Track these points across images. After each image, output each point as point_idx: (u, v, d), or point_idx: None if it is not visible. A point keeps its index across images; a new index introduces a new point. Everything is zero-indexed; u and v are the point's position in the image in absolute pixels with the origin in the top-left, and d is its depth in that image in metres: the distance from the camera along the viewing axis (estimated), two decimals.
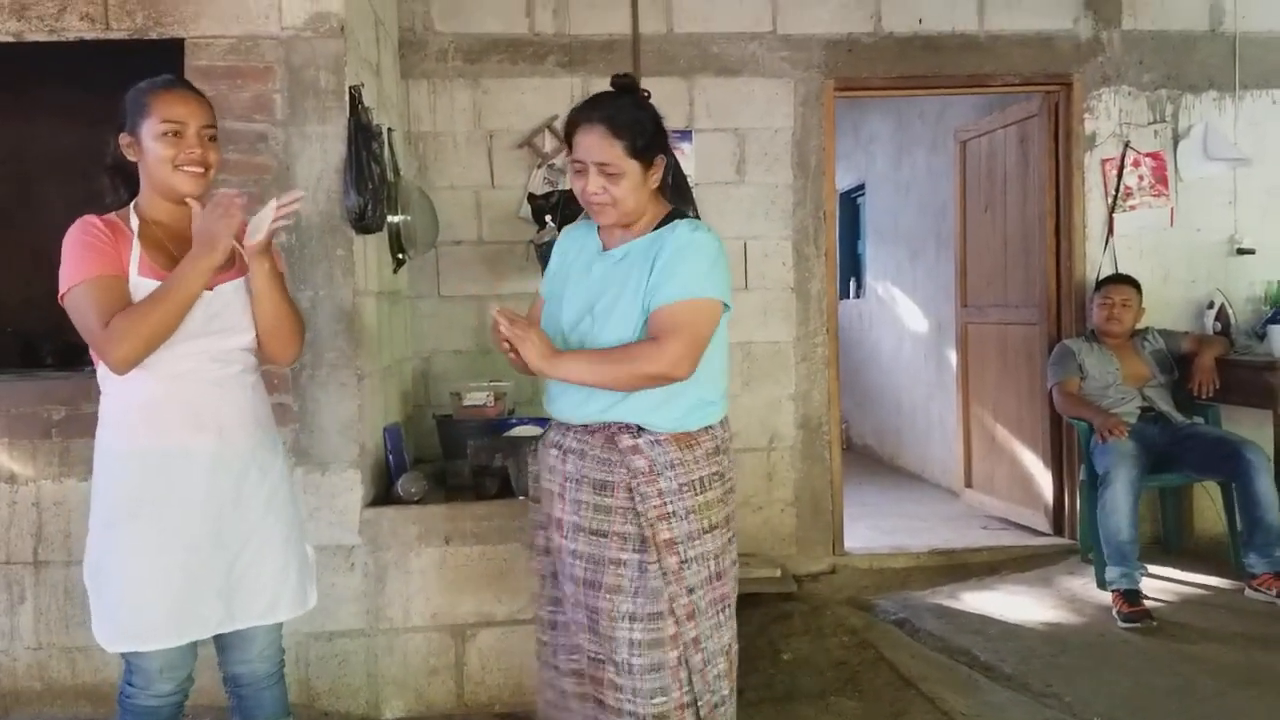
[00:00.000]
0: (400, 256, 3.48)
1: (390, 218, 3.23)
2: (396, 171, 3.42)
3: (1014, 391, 4.66)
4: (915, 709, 2.79)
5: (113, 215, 1.91)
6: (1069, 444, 4.29)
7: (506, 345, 1.84)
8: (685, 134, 4.03)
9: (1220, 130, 4.26)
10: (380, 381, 3.16)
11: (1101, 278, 4.15)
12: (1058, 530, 4.39)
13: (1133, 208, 4.27)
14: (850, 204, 7.34)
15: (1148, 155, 4.27)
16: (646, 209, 1.92)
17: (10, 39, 2.81)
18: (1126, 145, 4.25)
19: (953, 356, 5.30)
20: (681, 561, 1.84)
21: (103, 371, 1.89)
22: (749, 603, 3.44)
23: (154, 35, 2.79)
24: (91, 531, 1.91)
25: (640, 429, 1.86)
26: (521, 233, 3.90)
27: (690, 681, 1.86)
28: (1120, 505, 3.52)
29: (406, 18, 3.95)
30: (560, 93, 3.94)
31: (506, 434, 3.11)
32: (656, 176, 1.91)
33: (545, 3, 3.99)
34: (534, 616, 2.10)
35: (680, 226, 1.88)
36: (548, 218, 3.63)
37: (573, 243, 2.05)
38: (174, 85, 1.93)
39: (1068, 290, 4.31)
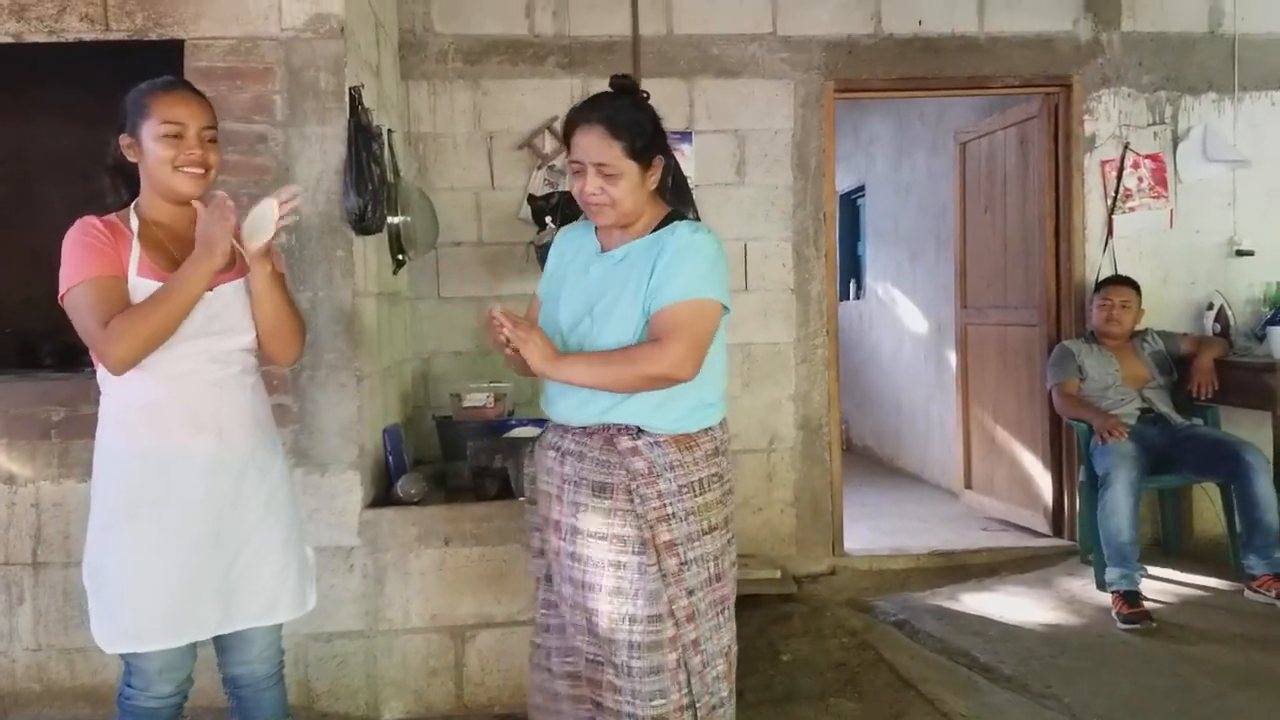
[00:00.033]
0: (400, 258, 3.48)
1: (390, 219, 3.23)
2: (396, 173, 3.42)
3: (1013, 393, 4.66)
4: (915, 710, 2.79)
5: (113, 216, 1.92)
6: (1068, 445, 4.29)
7: (505, 345, 1.84)
8: (685, 135, 4.03)
9: (1219, 132, 4.27)
10: (380, 383, 3.16)
11: (1101, 279, 4.16)
12: (1057, 531, 4.39)
13: (1132, 209, 4.27)
14: (850, 205, 7.35)
15: (1147, 157, 4.27)
16: (645, 210, 1.92)
17: (10, 40, 2.81)
18: (1126, 147, 4.26)
19: (952, 358, 5.30)
20: (681, 563, 1.84)
21: (102, 373, 1.89)
22: (748, 604, 3.44)
23: (153, 36, 2.79)
24: (90, 532, 1.91)
25: (640, 431, 1.86)
26: (521, 234, 3.90)
27: (689, 683, 1.85)
28: (1121, 506, 3.52)
29: (406, 19, 3.96)
30: (560, 94, 3.94)
31: (506, 435, 3.12)
32: (655, 177, 1.91)
33: (545, 4, 4.00)
34: (532, 618, 2.10)
35: (680, 228, 1.88)
36: (548, 219, 3.63)
37: (570, 244, 2.05)
38: (174, 86, 1.93)
39: (1067, 291, 4.32)
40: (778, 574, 3.89)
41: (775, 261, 4.11)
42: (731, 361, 4.05)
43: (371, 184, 2.83)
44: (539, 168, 4.00)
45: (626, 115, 1.86)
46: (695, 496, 1.86)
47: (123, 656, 1.92)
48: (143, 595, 1.85)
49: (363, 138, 2.84)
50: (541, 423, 2.66)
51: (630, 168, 1.85)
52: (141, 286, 1.84)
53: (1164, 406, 3.93)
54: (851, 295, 7.24)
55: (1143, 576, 3.54)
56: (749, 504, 4.07)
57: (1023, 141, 4.55)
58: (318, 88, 2.81)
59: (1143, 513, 3.74)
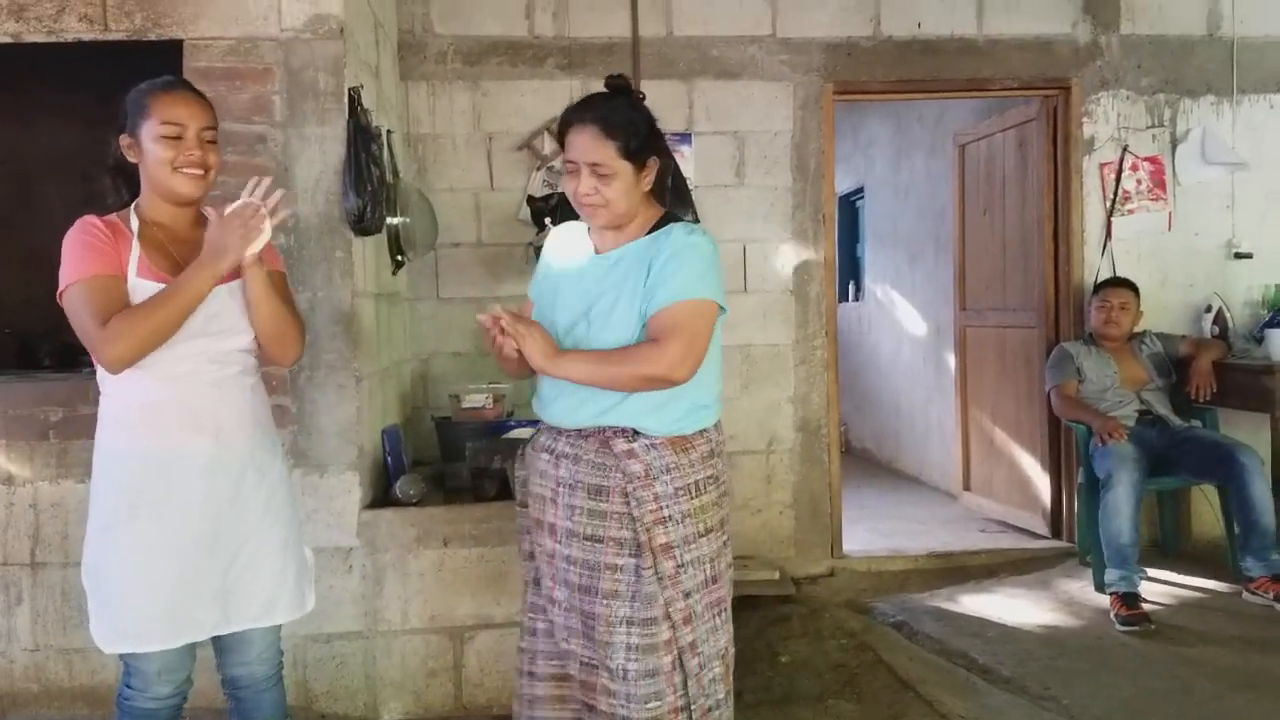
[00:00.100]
0: (399, 258, 3.48)
1: (389, 220, 3.23)
2: (395, 173, 3.42)
3: (1012, 394, 4.67)
4: (913, 711, 2.79)
5: (113, 216, 1.92)
6: (1067, 447, 4.30)
7: (499, 343, 1.83)
8: (685, 137, 4.04)
9: (1218, 134, 4.27)
10: (379, 383, 3.16)
11: (1099, 281, 4.16)
12: (1056, 533, 4.39)
13: (1131, 211, 4.28)
14: (849, 207, 7.35)
15: (1146, 159, 4.27)
16: (639, 211, 1.91)
17: (9, 40, 2.80)
18: (1125, 149, 4.26)
19: (951, 360, 5.30)
20: (678, 565, 1.84)
21: (102, 373, 1.89)
22: (747, 605, 3.44)
23: (153, 36, 2.79)
24: (89, 532, 1.91)
25: (635, 433, 1.86)
26: (521, 235, 3.90)
27: (685, 686, 1.85)
28: (1122, 508, 3.52)
29: (406, 20, 3.96)
30: (560, 95, 3.93)
31: (505, 436, 3.11)
32: (649, 179, 1.90)
33: (545, 5, 4.00)
34: None
35: (676, 230, 1.88)
36: (547, 220, 3.63)
37: (561, 245, 2.04)
38: (174, 86, 1.93)
39: (1066, 293, 4.32)
40: (776, 575, 3.89)
41: (774, 263, 4.11)
42: (730, 363, 4.06)
43: (371, 185, 2.83)
44: (538, 169, 4.00)
45: (621, 115, 1.86)
46: (692, 499, 1.86)
47: (121, 657, 1.92)
48: (141, 595, 1.85)
49: (362, 138, 2.84)
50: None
51: (624, 168, 1.85)
52: (141, 287, 1.84)
53: (1162, 408, 3.93)
54: (850, 297, 7.25)
55: (1141, 579, 3.54)
56: (748, 505, 4.07)
57: (1021, 144, 4.55)
58: (317, 88, 2.81)
59: (1141, 514, 3.75)
